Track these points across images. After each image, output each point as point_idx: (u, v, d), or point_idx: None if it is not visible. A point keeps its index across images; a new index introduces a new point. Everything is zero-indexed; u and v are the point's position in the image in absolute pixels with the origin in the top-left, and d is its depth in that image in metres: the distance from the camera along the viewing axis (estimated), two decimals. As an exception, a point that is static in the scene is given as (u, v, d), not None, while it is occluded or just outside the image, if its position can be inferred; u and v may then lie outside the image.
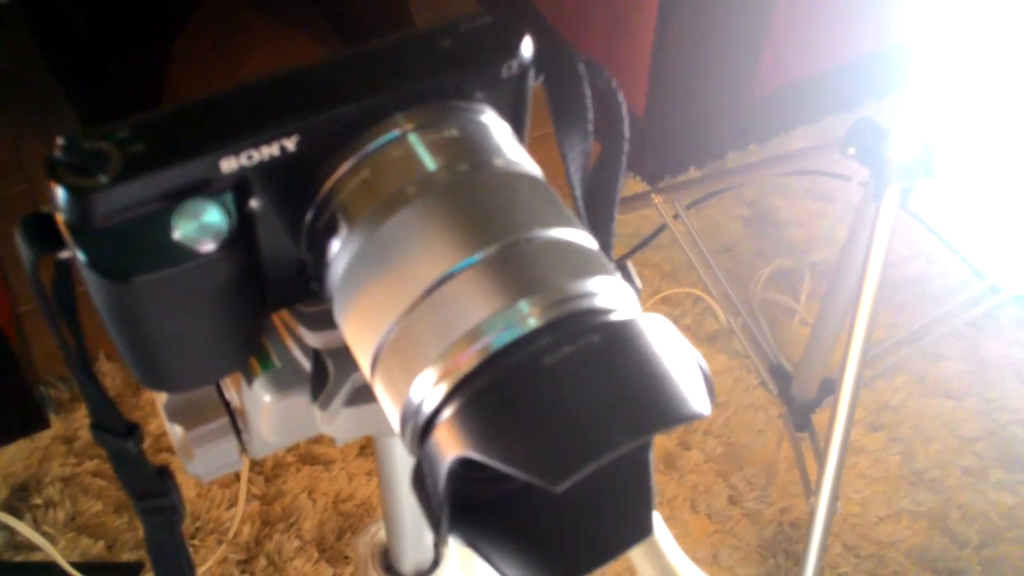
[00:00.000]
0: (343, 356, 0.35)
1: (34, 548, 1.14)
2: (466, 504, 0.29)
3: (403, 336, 0.29)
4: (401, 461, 0.45)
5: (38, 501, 1.17)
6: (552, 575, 0.30)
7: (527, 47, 0.31)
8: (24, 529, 1.13)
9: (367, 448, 1.25)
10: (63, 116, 1.59)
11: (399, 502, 0.47)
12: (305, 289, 0.34)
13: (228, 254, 0.29)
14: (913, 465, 1.27)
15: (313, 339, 0.35)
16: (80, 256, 0.28)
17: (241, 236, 0.29)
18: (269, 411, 0.36)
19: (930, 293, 1.43)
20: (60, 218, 0.28)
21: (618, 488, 0.32)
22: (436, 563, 0.57)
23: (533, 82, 0.32)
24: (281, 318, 0.36)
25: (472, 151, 0.30)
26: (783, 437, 1.30)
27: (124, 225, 0.28)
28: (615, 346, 0.26)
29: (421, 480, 0.28)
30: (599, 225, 0.35)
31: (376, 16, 1.48)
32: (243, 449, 0.40)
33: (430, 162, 0.30)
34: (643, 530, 0.31)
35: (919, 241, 1.47)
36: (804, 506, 1.21)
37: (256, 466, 1.23)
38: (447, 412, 0.27)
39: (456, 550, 0.59)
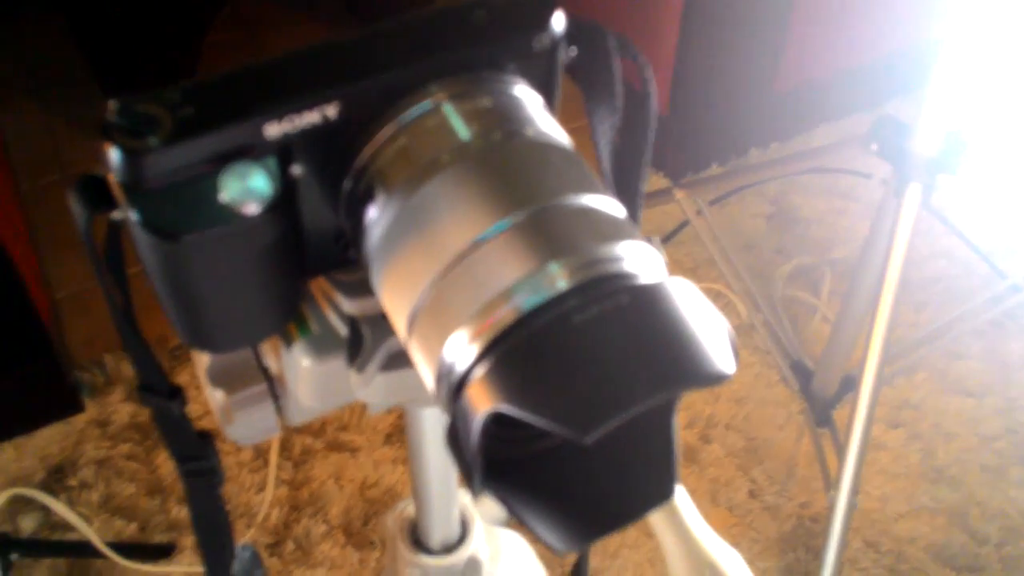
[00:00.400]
0: (378, 322, 0.37)
1: (69, 528, 1.16)
2: (498, 463, 0.30)
3: (437, 298, 0.30)
4: (431, 432, 0.46)
5: (73, 483, 1.20)
6: (579, 533, 0.31)
7: (559, 21, 0.33)
8: (61, 508, 1.15)
9: (393, 436, 1.26)
10: (96, 107, 1.61)
11: (428, 475, 0.48)
12: (342, 256, 0.35)
13: (271, 217, 0.31)
14: (933, 462, 1.27)
15: (350, 306, 0.36)
16: (133, 215, 0.29)
17: (283, 200, 0.31)
18: (307, 375, 0.37)
19: (951, 292, 1.43)
20: (113, 179, 0.30)
21: (643, 451, 0.33)
22: (463, 538, 0.58)
23: (564, 55, 0.33)
24: (319, 285, 0.37)
25: (505, 120, 0.31)
26: (803, 433, 1.30)
27: (174, 186, 0.29)
28: (643, 306, 0.27)
29: (455, 436, 0.29)
30: (627, 196, 0.36)
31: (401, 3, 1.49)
32: (280, 415, 0.42)
33: (464, 131, 0.31)
34: (667, 492, 0.32)
35: (940, 240, 1.47)
36: (824, 501, 1.22)
37: (284, 452, 1.24)
38: (479, 370, 0.28)
39: (482, 526, 0.60)
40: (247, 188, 0.30)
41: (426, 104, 0.31)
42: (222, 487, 0.42)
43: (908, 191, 1.01)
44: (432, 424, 0.46)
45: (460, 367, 0.29)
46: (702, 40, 1.36)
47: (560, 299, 0.27)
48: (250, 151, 0.30)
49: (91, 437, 1.25)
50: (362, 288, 0.36)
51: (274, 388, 0.40)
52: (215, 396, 0.40)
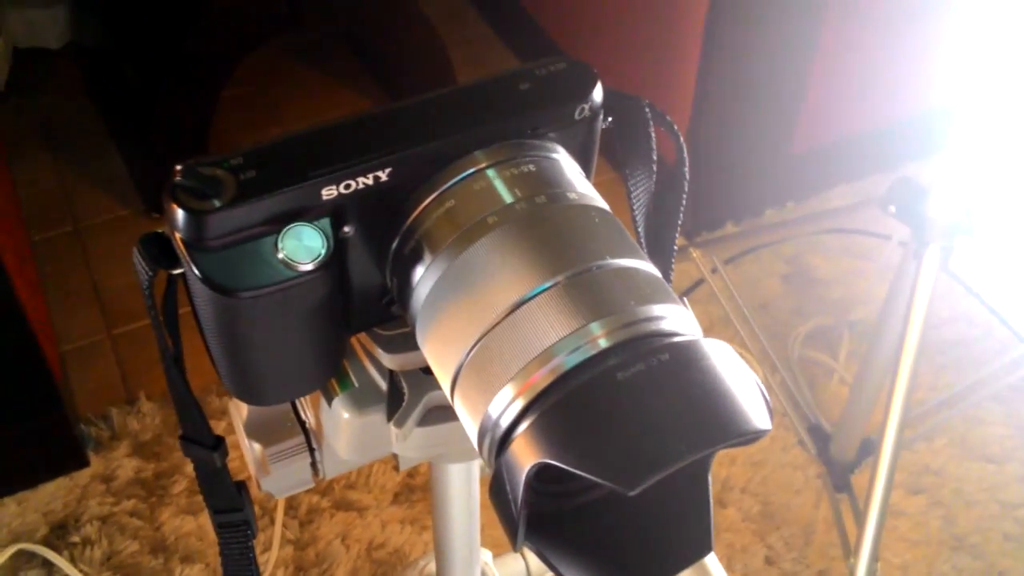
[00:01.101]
0: (417, 377, 0.38)
1: (71, 587, 1.15)
2: (537, 517, 0.31)
3: (482, 355, 0.31)
4: (457, 488, 0.47)
5: (75, 539, 1.19)
6: None
7: (599, 92, 0.34)
8: (64, 565, 1.15)
9: (400, 495, 1.26)
10: (110, 160, 1.63)
11: (452, 532, 0.49)
12: (385, 313, 0.37)
13: (323, 274, 0.32)
14: (954, 530, 1.26)
15: (390, 361, 0.37)
16: (194, 271, 0.31)
17: (335, 259, 0.32)
18: (347, 428, 0.38)
19: (971, 356, 1.43)
20: (177, 236, 0.31)
21: (679, 506, 0.33)
22: (485, 595, 0.58)
23: (602, 124, 0.35)
24: (360, 342, 0.39)
25: (548, 185, 0.33)
26: (822, 497, 1.29)
27: (233, 245, 0.31)
28: (682, 364, 0.28)
29: (499, 490, 0.30)
30: (660, 257, 0.38)
31: (415, 65, 1.53)
32: (316, 468, 0.43)
33: (508, 194, 0.32)
34: (704, 547, 0.33)
35: (960, 303, 1.48)
36: (843, 568, 1.21)
37: (290, 511, 1.24)
38: (523, 425, 0.29)
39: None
40: (303, 247, 0.31)
41: (472, 169, 0.33)
42: (254, 540, 0.43)
43: (927, 253, 1.02)
44: (459, 480, 0.47)
45: (504, 422, 0.30)
46: (718, 101, 1.39)
47: (601, 357, 0.29)
48: (306, 212, 0.31)
49: (95, 493, 1.24)
50: (402, 343, 0.37)
51: (310, 441, 0.41)
52: (252, 448, 0.41)
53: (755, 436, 0.28)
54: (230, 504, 0.41)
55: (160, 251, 0.32)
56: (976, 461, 1.32)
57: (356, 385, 0.38)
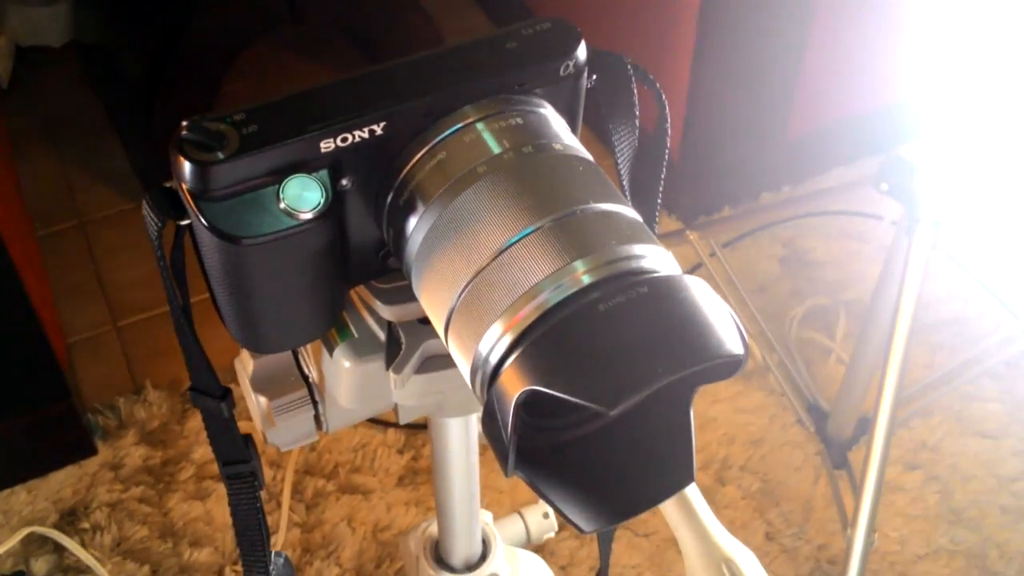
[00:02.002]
0: (414, 327, 0.40)
1: (82, 571, 1.17)
2: (528, 452, 0.33)
3: (473, 296, 0.33)
4: (456, 445, 0.49)
5: (85, 526, 1.21)
6: (604, 515, 0.34)
7: (582, 49, 0.36)
8: (76, 548, 1.17)
9: (405, 478, 1.28)
10: (113, 155, 1.65)
11: (452, 491, 0.51)
12: (382, 266, 0.38)
13: (322, 224, 0.34)
14: (951, 504, 1.28)
15: (388, 312, 0.39)
16: (200, 221, 0.33)
17: (333, 209, 0.34)
18: (348, 376, 0.40)
19: (966, 334, 1.45)
20: (184, 187, 0.33)
21: (663, 441, 0.35)
22: (484, 557, 0.60)
23: (587, 83, 0.37)
24: (359, 294, 0.41)
25: (534, 136, 0.35)
26: (820, 475, 1.31)
27: (237, 194, 0.33)
28: (660, 296, 0.30)
29: (491, 420, 0.31)
30: (644, 209, 0.39)
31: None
32: (319, 423, 0.45)
33: (497, 145, 0.34)
34: (686, 478, 0.35)
35: (955, 282, 1.50)
36: (841, 543, 1.22)
37: (296, 494, 1.26)
38: (511, 358, 0.31)
39: (503, 546, 0.62)
40: (303, 197, 0.33)
41: (463, 122, 0.35)
42: (261, 490, 0.45)
43: (918, 230, 1.04)
44: (457, 436, 0.48)
45: (494, 357, 0.32)
46: (713, 85, 1.40)
47: (585, 292, 0.30)
48: (306, 165, 0.33)
49: (103, 480, 1.26)
50: (399, 295, 0.39)
51: (313, 394, 0.43)
52: (258, 402, 0.43)
53: (729, 362, 0.30)
54: (238, 455, 0.43)
55: (168, 203, 0.34)
56: (972, 437, 1.34)
57: (356, 335, 0.40)
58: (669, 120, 0.39)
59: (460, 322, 0.33)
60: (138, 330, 1.45)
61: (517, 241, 0.32)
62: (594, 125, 0.39)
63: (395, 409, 0.45)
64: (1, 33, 1.73)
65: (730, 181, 1.57)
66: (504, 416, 0.30)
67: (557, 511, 0.34)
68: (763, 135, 1.52)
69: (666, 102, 0.38)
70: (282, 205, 0.33)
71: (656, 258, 0.32)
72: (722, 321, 0.30)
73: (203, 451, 1.28)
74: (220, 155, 0.32)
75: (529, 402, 0.32)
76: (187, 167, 0.32)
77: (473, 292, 0.33)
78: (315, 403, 0.43)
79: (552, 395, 0.30)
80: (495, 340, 0.32)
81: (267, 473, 1.26)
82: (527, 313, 0.31)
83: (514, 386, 0.30)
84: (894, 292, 1.08)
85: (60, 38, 1.80)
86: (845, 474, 1.27)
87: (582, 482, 0.34)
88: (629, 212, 0.33)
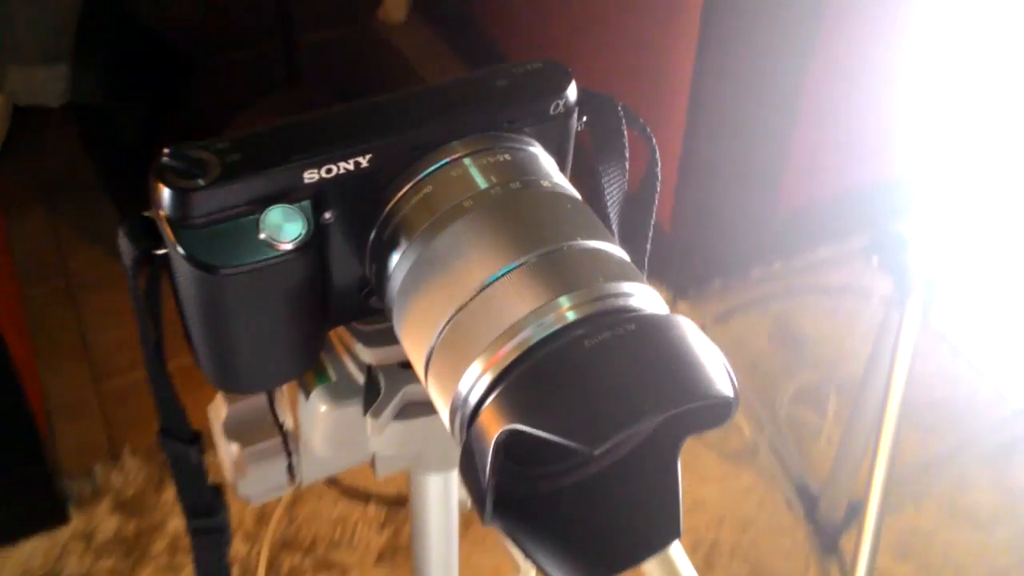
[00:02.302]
0: (394, 372, 0.38)
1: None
2: (509, 502, 0.32)
3: (453, 334, 0.32)
4: (435, 501, 0.47)
5: (52, 598, 1.17)
6: (588, 571, 0.32)
7: (573, 89, 0.36)
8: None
9: (385, 555, 1.24)
10: (105, 216, 1.65)
11: (429, 548, 0.49)
12: (365, 307, 0.37)
13: (303, 256, 0.33)
14: (943, 596, 1.25)
15: (368, 355, 0.38)
16: (178, 250, 0.32)
17: (315, 242, 0.33)
18: (324, 420, 0.39)
19: (958, 415, 1.43)
20: (163, 214, 0.32)
21: (649, 494, 0.34)
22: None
23: (577, 126, 0.36)
24: (338, 336, 0.39)
25: (523, 173, 0.34)
26: (810, 561, 1.28)
27: (217, 224, 0.32)
28: (649, 333, 0.29)
29: (469, 463, 0.30)
30: (634, 251, 0.38)
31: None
32: (292, 474, 0.43)
33: (484, 181, 0.33)
34: (672, 533, 0.33)
35: (946, 363, 1.49)
36: (832, 630, 1.19)
37: (272, 571, 1.22)
38: (491, 397, 0.29)
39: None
40: (284, 228, 0.32)
41: (450, 157, 0.34)
42: (229, 548, 0.43)
43: (909, 303, 1.03)
44: (436, 495, 0.47)
45: (473, 398, 0.30)
46: (705, 156, 1.41)
47: (569, 328, 0.29)
48: (288, 195, 0.32)
49: (75, 550, 1.22)
50: (380, 338, 0.38)
51: (288, 443, 0.42)
52: (229, 449, 0.41)
53: (718, 408, 0.29)
54: (206, 507, 0.41)
55: (145, 232, 0.33)
56: (965, 524, 1.31)
57: (334, 379, 0.39)
58: (659, 164, 0.38)
59: (439, 362, 0.32)
60: (120, 394, 1.43)
61: (500, 276, 0.31)
62: (581, 170, 0.39)
63: (372, 462, 0.44)
64: (-1, 92, 1.74)
65: (721, 253, 1.57)
66: (483, 457, 0.29)
67: (537, 566, 0.32)
68: (754, 207, 1.52)
69: (656, 146, 0.38)
70: (262, 235, 0.32)
71: (644, 297, 0.31)
72: (712, 362, 0.29)
73: (178, 522, 1.25)
74: (201, 182, 0.31)
75: (510, 444, 0.31)
76: (166, 193, 0.31)
77: (453, 330, 0.32)
78: (288, 453, 0.41)
79: (533, 435, 0.29)
80: (475, 379, 0.30)
81: (242, 547, 1.22)
82: (508, 351, 0.30)
83: (493, 425, 0.29)
84: (885, 368, 1.07)
85: (58, 99, 1.81)
86: (836, 561, 1.24)
87: (565, 536, 0.33)
88: (617, 251, 0.33)
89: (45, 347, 1.46)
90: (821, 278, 1.49)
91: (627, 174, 0.38)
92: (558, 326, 0.29)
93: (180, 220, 0.32)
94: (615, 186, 0.38)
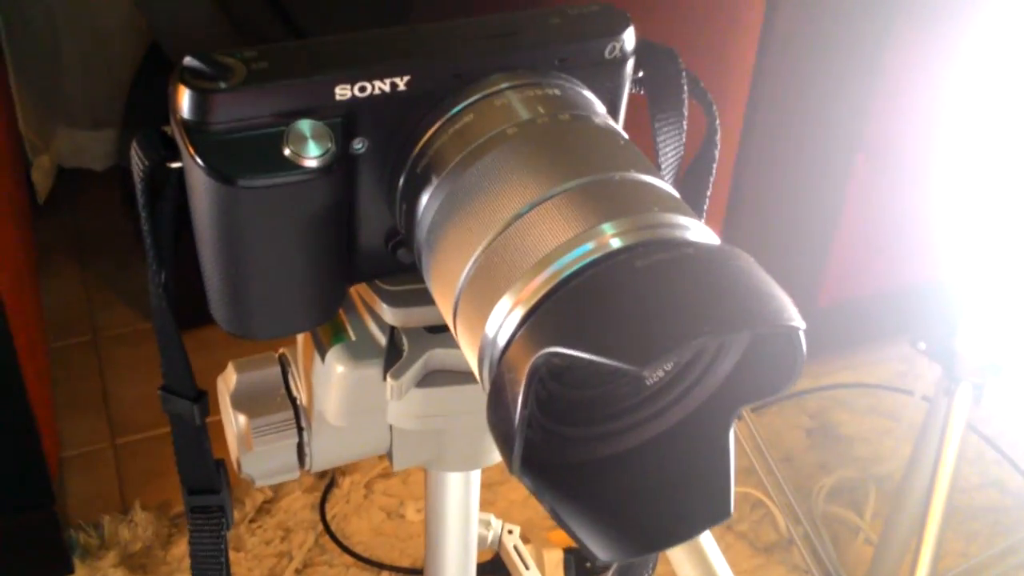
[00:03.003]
0: (419, 334, 0.35)
1: None
2: (540, 467, 0.28)
3: (481, 272, 0.28)
4: (452, 499, 0.43)
5: (51, 653, 1.13)
6: (626, 545, 0.28)
7: (631, 35, 0.33)
8: None
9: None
10: (137, 276, 1.65)
11: (446, 549, 0.44)
12: (392, 262, 0.34)
13: (329, 180, 0.30)
14: None
15: (391, 316, 0.35)
16: (194, 158, 0.29)
17: (342, 167, 0.30)
18: (340, 383, 0.35)
19: (1003, 523, 1.36)
20: (180, 119, 0.30)
21: (699, 468, 0.30)
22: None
23: (633, 72, 0.34)
24: (360, 295, 0.36)
25: (573, 106, 0.31)
26: (846, 667, 1.20)
27: (238, 134, 0.29)
28: (709, 258, 0.26)
29: (498, 400, 0.26)
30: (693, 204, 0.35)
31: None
32: (303, 457, 0.39)
33: (531, 110, 0.31)
34: (722, 512, 0.30)
35: (991, 469, 1.42)
36: None
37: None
38: (524, 327, 0.26)
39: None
40: (310, 143, 0.30)
41: (494, 89, 0.31)
42: (228, 532, 0.39)
43: (958, 391, 0.99)
44: (455, 494, 0.43)
45: (502, 338, 0.27)
46: (744, 247, 1.39)
47: (614, 254, 0.26)
48: (317, 111, 0.30)
49: (75, 603, 1.18)
50: (406, 298, 0.35)
51: (300, 420, 0.38)
52: (237, 421, 0.38)
53: (787, 330, 0.25)
54: (206, 482, 0.38)
55: (161, 143, 0.30)
56: (1011, 635, 1.23)
57: (353, 338, 0.36)
58: (719, 133, 0.35)
59: (467, 305, 0.29)
60: (136, 449, 1.41)
61: (537, 205, 0.28)
62: (633, 138, 0.36)
63: (389, 453, 0.40)
64: (45, 152, 1.77)
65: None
66: (514, 389, 0.25)
67: (569, 532, 0.28)
68: (794, 300, 1.49)
69: (716, 114, 0.35)
70: (287, 151, 0.30)
71: (702, 232, 0.28)
72: (778, 294, 0.26)
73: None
74: (223, 85, 0.29)
75: (542, 397, 0.28)
76: (185, 95, 0.29)
77: (482, 267, 0.28)
78: (300, 430, 0.38)
79: (571, 380, 0.26)
80: (503, 317, 0.27)
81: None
82: (541, 282, 0.26)
83: (527, 352, 0.25)
84: (928, 467, 1.02)
85: (103, 162, 1.83)
86: (873, 664, 1.17)
87: (602, 506, 0.29)
88: (673, 191, 0.29)
89: (66, 398, 1.45)
90: (861, 375, 1.44)
91: (684, 136, 0.35)
92: (599, 254, 0.26)
93: (199, 125, 0.29)
94: (671, 148, 0.35)
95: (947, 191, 1.46)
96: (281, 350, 0.41)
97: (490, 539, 0.60)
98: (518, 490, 1.28)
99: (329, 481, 1.29)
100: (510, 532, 0.60)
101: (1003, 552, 1.31)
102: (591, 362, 0.24)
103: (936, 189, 1.46)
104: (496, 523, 0.60)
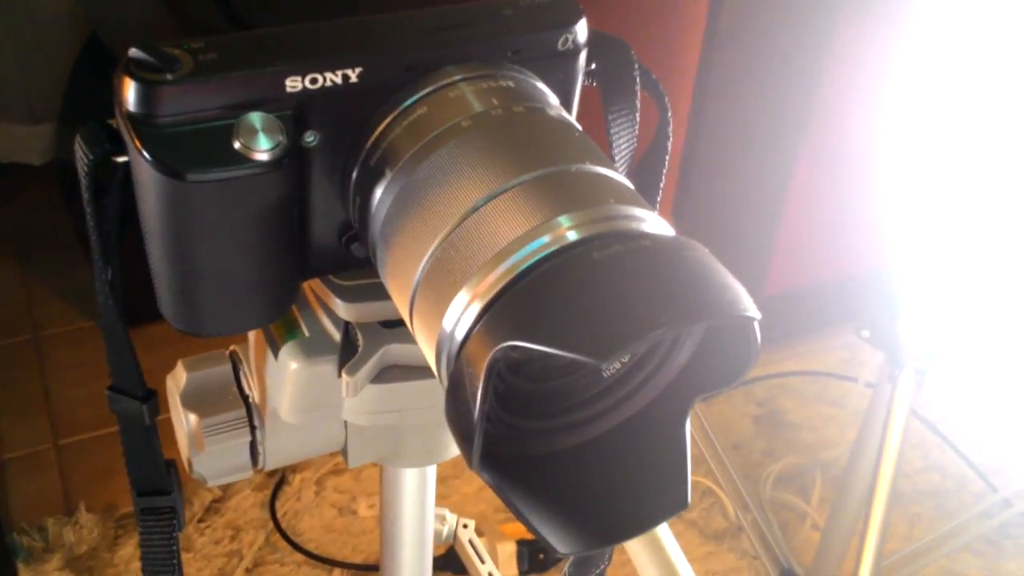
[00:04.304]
0: (374, 329, 0.35)
1: None
2: (499, 461, 0.28)
3: (437, 266, 0.28)
4: (409, 500, 0.43)
5: (-6, 661, 1.10)
6: (585, 538, 0.28)
7: (583, 26, 0.33)
8: None
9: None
10: (77, 273, 1.62)
11: (402, 555, 0.44)
12: (345, 256, 0.34)
13: (280, 174, 0.30)
14: None
15: (345, 311, 0.34)
16: (141, 153, 0.28)
17: (293, 161, 0.30)
18: (294, 380, 0.35)
19: (945, 506, 1.39)
20: (125, 111, 0.29)
21: (655, 460, 0.30)
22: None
23: (585, 64, 0.34)
24: (314, 291, 0.36)
25: (527, 99, 0.31)
26: (795, 650, 1.22)
27: (187, 128, 0.29)
28: (665, 250, 0.26)
29: (457, 395, 0.26)
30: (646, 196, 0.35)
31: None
32: (255, 456, 0.39)
33: (485, 103, 0.30)
34: (679, 502, 0.30)
35: (933, 453, 1.45)
36: None
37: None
38: (482, 321, 0.26)
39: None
40: (261, 137, 0.29)
41: (447, 81, 0.31)
42: (179, 534, 0.38)
43: (901, 377, 1.00)
44: (411, 491, 0.42)
45: (460, 332, 0.26)
46: (692, 232, 1.40)
47: (571, 247, 0.26)
48: (268, 103, 0.29)
49: (21, 607, 1.16)
50: (360, 293, 0.34)
51: (252, 418, 0.38)
52: (187, 421, 0.37)
53: (743, 321, 0.25)
54: (157, 483, 0.37)
55: (105, 137, 0.30)
56: (955, 616, 1.26)
57: (307, 335, 0.35)
58: (671, 125, 0.35)
59: (423, 301, 0.29)
60: (79, 450, 1.38)
61: (493, 198, 0.28)
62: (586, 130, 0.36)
63: (344, 450, 0.39)
64: (-20, 148, 1.72)
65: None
66: (473, 383, 0.25)
67: (528, 526, 0.28)
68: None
69: (668, 105, 0.35)
70: (236, 144, 0.29)
71: (657, 224, 0.28)
72: (733, 285, 0.26)
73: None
74: (169, 76, 0.28)
75: (499, 390, 0.27)
76: (131, 87, 0.28)
77: (438, 262, 0.28)
78: (253, 428, 0.37)
79: (527, 373, 0.25)
80: (460, 311, 0.26)
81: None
82: (498, 276, 0.26)
83: (485, 346, 0.25)
84: (873, 451, 1.04)
85: (41, 157, 1.79)
86: (821, 647, 1.19)
87: (561, 499, 0.29)
88: (628, 183, 0.29)
89: (6, 398, 1.42)
90: (807, 363, 1.46)
91: (637, 128, 0.35)
92: (556, 246, 0.26)
93: (145, 118, 0.28)
94: (624, 139, 0.35)
95: (889, 182, 1.49)
96: (232, 347, 0.40)
97: (445, 534, 0.60)
98: (471, 483, 1.28)
99: (279, 479, 1.28)
100: (465, 526, 0.60)
101: (946, 534, 1.34)
102: (550, 355, 0.24)
103: (878, 180, 1.49)
104: (451, 518, 0.60)
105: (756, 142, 1.36)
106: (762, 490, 1.38)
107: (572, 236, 0.26)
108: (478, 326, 0.26)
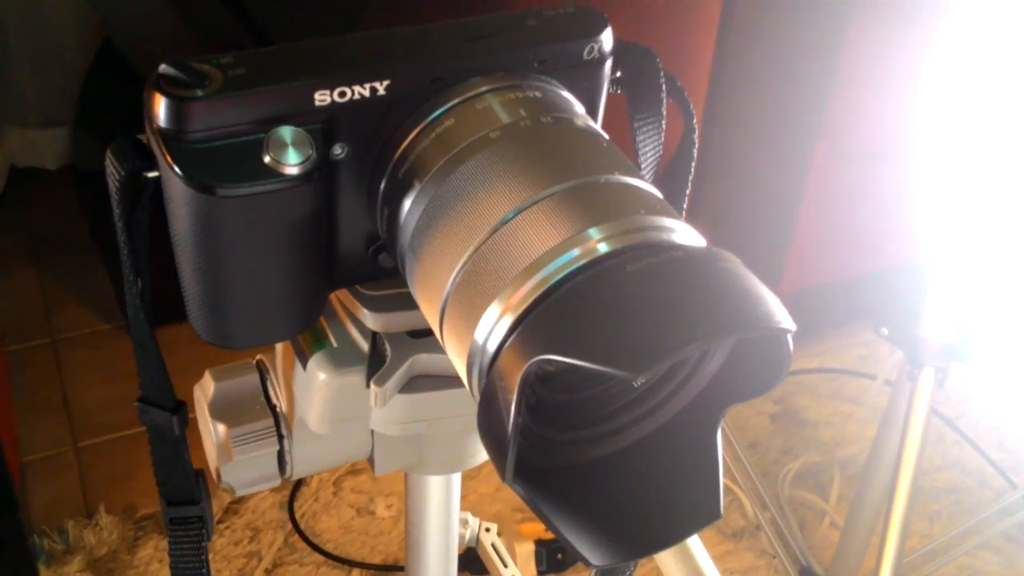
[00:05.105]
0: (402, 340, 0.35)
1: None
2: (530, 472, 0.28)
3: (468, 279, 0.28)
4: (434, 507, 0.43)
5: (15, 661, 1.11)
6: (618, 549, 0.28)
7: (608, 35, 0.33)
8: None
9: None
10: (94, 277, 1.63)
11: (426, 546, 0.44)
12: (372, 267, 0.34)
13: (309, 188, 0.30)
14: None
15: (373, 321, 0.34)
16: (172, 168, 0.28)
17: (322, 174, 0.30)
18: (322, 390, 0.35)
19: (965, 503, 1.39)
20: (156, 127, 0.29)
21: (687, 470, 0.30)
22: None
23: (610, 72, 0.34)
24: (341, 301, 0.36)
25: (554, 109, 0.31)
26: (814, 647, 1.22)
27: (217, 143, 0.29)
28: (698, 262, 0.26)
29: (489, 409, 0.26)
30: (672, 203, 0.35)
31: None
32: (283, 465, 0.39)
33: (512, 114, 0.30)
34: (712, 513, 0.30)
35: (952, 450, 1.45)
36: None
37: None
38: (514, 335, 0.26)
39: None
40: (290, 151, 0.29)
41: (474, 92, 0.31)
42: (209, 542, 0.38)
43: (922, 376, 1.00)
44: (436, 498, 0.42)
45: (492, 344, 0.27)
46: (707, 235, 1.40)
47: (602, 259, 0.26)
48: (297, 117, 0.29)
49: (43, 609, 1.17)
50: (387, 303, 0.34)
51: (280, 427, 0.38)
52: (216, 431, 0.37)
53: (778, 333, 0.25)
54: (186, 493, 0.37)
55: (136, 152, 0.30)
56: (975, 614, 1.25)
57: (335, 345, 0.35)
58: (697, 132, 0.35)
59: (454, 312, 0.29)
60: (98, 452, 1.39)
61: (523, 210, 0.28)
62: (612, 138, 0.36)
63: (371, 458, 0.40)
64: (-3, 152, 1.74)
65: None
66: (507, 397, 0.25)
67: (561, 538, 0.28)
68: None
69: (693, 112, 0.35)
70: (266, 158, 0.29)
71: (688, 235, 0.28)
72: (767, 296, 0.26)
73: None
74: (199, 92, 0.28)
75: (532, 402, 0.27)
76: (162, 103, 0.28)
77: (468, 274, 0.28)
78: (280, 438, 0.38)
79: (560, 385, 0.25)
80: (492, 324, 0.27)
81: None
82: (529, 289, 0.26)
83: (518, 360, 0.25)
84: (892, 450, 1.04)
85: (56, 161, 1.80)
86: (841, 646, 1.18)
87: (593, 511, 0.29)
88: (658, 193, 0.29)
89: (25, 402, 1.42)
90: (824, 361, 1.46)
91: (663, 135, 0.35)
92: (586, 259, 0.26)
93: (176, 134, 0.29)
94: (650, 148, 0.35)
95: (907, 178, 1.48)
96: (258, 356, 0.40)
97: (467, 537, 0.60)
98: (488, 483, 1.28)
99: (297, 479, 1.28)
100: (487, 530, 0.60)
101: (965, 532, 1.33)
102: (581, 367, 0.24)
103: (896, 176, 1.48)
104: (473, 521, 0.60)
105: (771, 139, 1.36)
106: (780, 488, 1.38)
107: (603, 248, 0.26)
108: (511, 339, 0.26)
